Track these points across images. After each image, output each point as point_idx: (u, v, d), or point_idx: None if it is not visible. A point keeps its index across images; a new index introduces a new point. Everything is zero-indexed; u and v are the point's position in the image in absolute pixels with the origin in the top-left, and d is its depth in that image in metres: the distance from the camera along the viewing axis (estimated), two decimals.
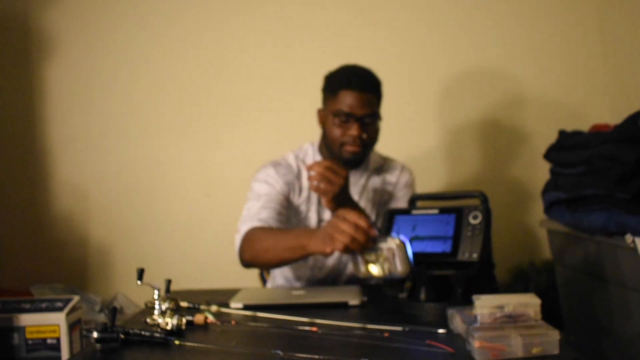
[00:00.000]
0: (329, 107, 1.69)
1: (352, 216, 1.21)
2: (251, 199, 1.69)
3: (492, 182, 2.47)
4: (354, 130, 1.62)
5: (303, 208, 1.74)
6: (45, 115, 2.51)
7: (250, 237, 1.55)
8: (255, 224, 1.59)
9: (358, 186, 1.78)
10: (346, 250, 1.21)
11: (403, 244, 1.19)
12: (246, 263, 1.59)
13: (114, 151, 2.52)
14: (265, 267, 1.68)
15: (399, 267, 1.18)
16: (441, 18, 2.47)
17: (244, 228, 1.60)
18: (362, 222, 1.20)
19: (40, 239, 2.50)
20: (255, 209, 1.64)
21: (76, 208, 2.51)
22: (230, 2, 2.51)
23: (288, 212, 1.70)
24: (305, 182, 1.72)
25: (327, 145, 1.72)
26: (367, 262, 1.23)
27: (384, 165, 1.83)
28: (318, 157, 1.77)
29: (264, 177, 1.71)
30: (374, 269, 1.22)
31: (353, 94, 1.62)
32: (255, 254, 1.52)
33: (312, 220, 1.73)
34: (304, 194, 1.73)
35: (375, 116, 1.66)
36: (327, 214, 1.72)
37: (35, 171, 2.51)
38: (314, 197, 1.73)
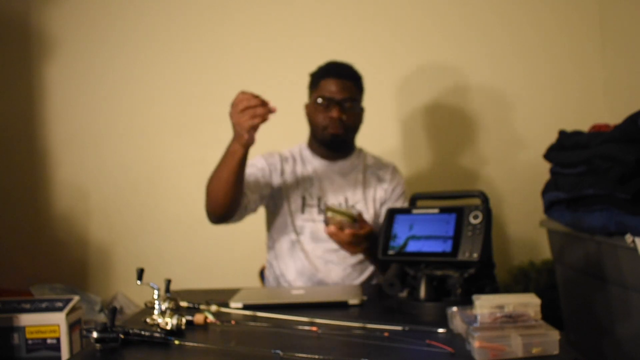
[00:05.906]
0: (312, 98, 1.84)
1: (238, 99, 1.46)
2: None
3: (493, 182, 2.47)
4: (334, 113, 1.76)
5: (283, 189, 1.84)
6: (45, 115, 2.51)
7: (206, 187, 1.67)
8: None
9: (354, 180, 1.87)
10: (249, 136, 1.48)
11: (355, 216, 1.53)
12: (211, 212, 1.67)
13: (113, 151, 2.52)
14: (221, 203, 1.64)
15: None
16: (448, 14, 2.48)
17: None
18: (252, 100, 1.45)
19: (40, 239, 2.50)
20: None
21: (76, 208, 2.51)
22: (229, 3, 2.51)
23: (259, 189, 1.79)
24: (287, 167, 1.87)
25: (313, 135, 1.86)
26: (329, 221, 1.52)
27: (376, 163, 1.94)
28: (306, 152, 1.90)
29: (251, 161, 1.83)
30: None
31: (333, 80, 1.79)
32: (209, 192, 1.64)
33: (297, 203, 1.82)
34: (285, 176, 1.86)
35: (354, 101, 1.80)
36: (313, 200, 1.83)
37: (35, 171, 2.51)
38: (297, 182, 1.84)
